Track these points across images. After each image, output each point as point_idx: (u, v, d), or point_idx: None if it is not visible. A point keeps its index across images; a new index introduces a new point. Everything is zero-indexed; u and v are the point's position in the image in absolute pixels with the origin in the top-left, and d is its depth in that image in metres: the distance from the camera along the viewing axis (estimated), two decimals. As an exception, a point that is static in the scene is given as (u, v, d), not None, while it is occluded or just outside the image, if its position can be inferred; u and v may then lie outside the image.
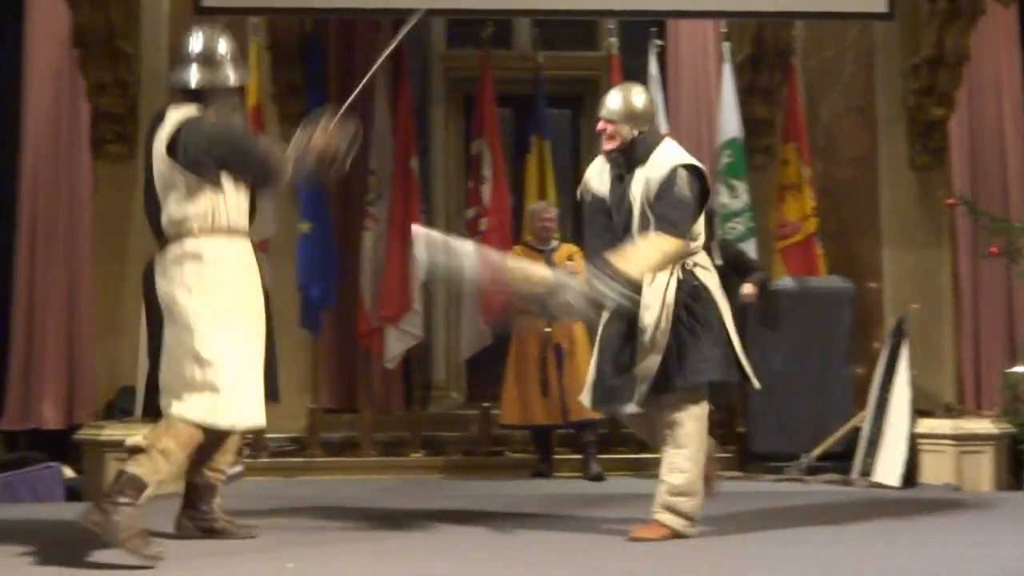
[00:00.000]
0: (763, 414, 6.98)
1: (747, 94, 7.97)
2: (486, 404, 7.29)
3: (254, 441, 7.12)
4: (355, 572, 3.69)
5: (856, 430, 6.76)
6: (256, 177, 3.96)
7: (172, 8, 7.42)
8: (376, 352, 7.41)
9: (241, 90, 4.16)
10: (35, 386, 7.34)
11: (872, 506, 5.42)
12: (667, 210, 4.01)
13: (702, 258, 4.19)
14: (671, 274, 4.06)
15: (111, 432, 6.15)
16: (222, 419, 3.86)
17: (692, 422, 4.06)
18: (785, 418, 6.93)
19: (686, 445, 4.04)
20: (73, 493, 6.35)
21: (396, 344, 7.32)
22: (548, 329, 6.65)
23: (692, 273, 4.10)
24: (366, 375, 7.59)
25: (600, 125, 4.23)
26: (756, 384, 4.26)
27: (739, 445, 7.22)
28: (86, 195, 7.26)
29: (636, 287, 3.92)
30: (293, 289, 7.27)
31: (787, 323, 7.08)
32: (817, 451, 6.84)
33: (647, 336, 4.04)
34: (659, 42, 7.85)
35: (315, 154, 3.88)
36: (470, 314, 7.39)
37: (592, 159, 4.50)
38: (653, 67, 7.76)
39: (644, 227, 4.05)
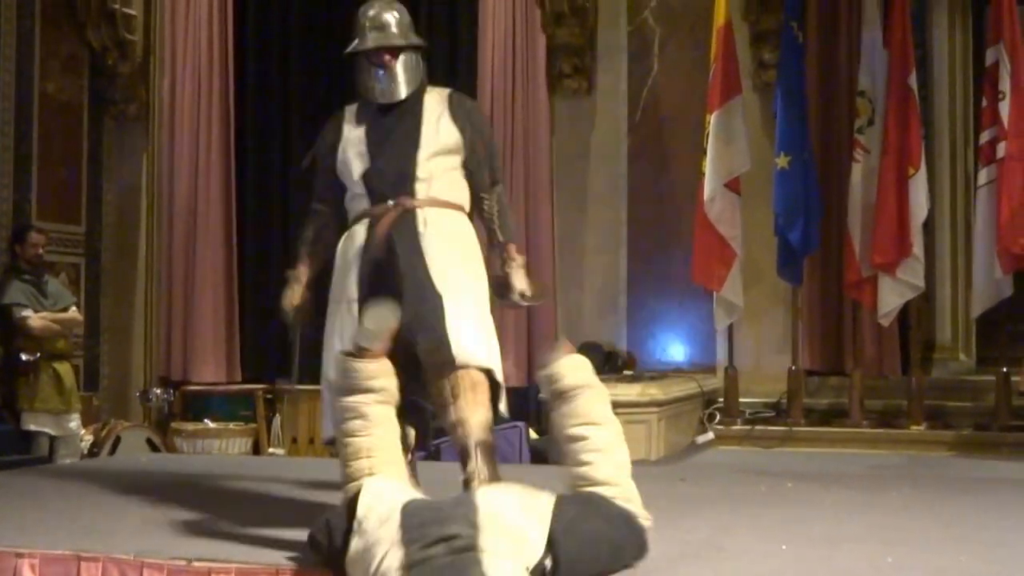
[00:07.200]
0: None
1: None
2: (1004, 369, 6.62)
3: (726, 406, 7.00)
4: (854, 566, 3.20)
5: None
6: None
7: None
8: (868, 306, 6.95)
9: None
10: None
11: None
12: None
13: None
14: None
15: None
16: None
17: None
18: None
19: None
20: (537, 454, 6.53)
21: (892, 296, 6.79)
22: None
23: None
24: (855, 332, 7.16)
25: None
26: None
27: None
28: (544, 133, 7.39)
29: None
30: (769, 233, 6.96)
31: None
32: None
33: None
34: None
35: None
36: (983, 261, 6.65)
37: None
38: None
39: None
